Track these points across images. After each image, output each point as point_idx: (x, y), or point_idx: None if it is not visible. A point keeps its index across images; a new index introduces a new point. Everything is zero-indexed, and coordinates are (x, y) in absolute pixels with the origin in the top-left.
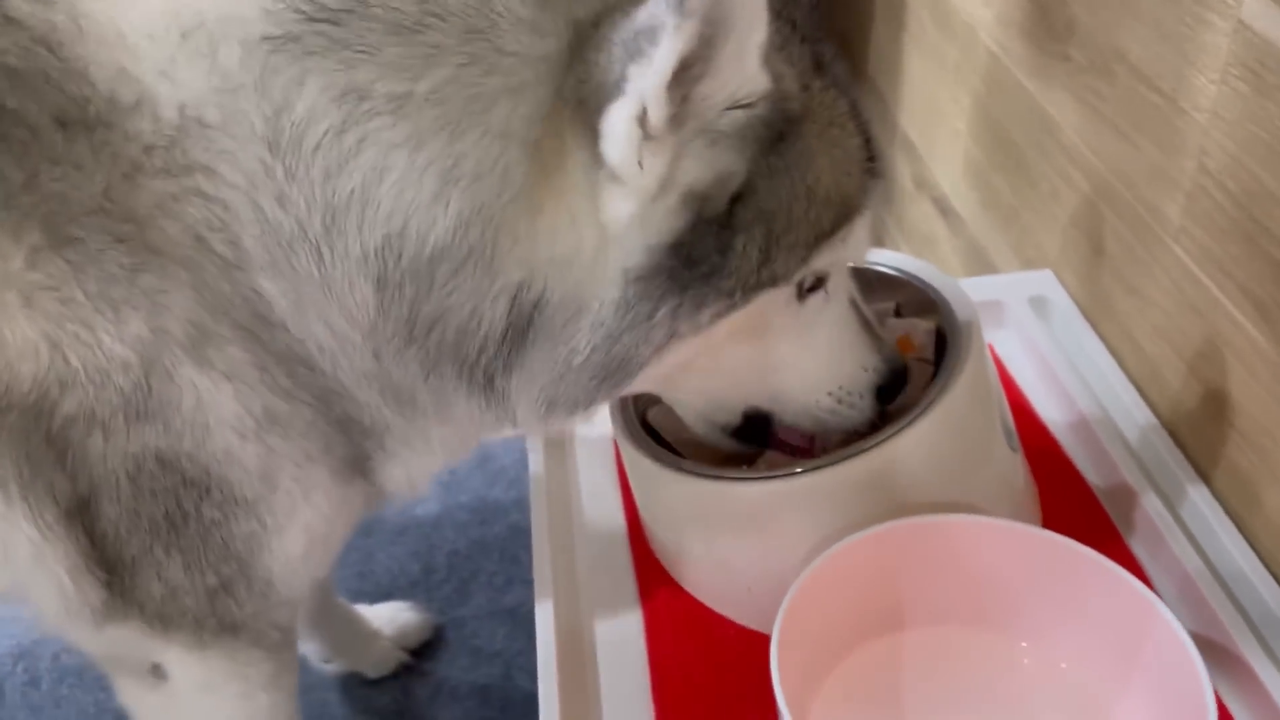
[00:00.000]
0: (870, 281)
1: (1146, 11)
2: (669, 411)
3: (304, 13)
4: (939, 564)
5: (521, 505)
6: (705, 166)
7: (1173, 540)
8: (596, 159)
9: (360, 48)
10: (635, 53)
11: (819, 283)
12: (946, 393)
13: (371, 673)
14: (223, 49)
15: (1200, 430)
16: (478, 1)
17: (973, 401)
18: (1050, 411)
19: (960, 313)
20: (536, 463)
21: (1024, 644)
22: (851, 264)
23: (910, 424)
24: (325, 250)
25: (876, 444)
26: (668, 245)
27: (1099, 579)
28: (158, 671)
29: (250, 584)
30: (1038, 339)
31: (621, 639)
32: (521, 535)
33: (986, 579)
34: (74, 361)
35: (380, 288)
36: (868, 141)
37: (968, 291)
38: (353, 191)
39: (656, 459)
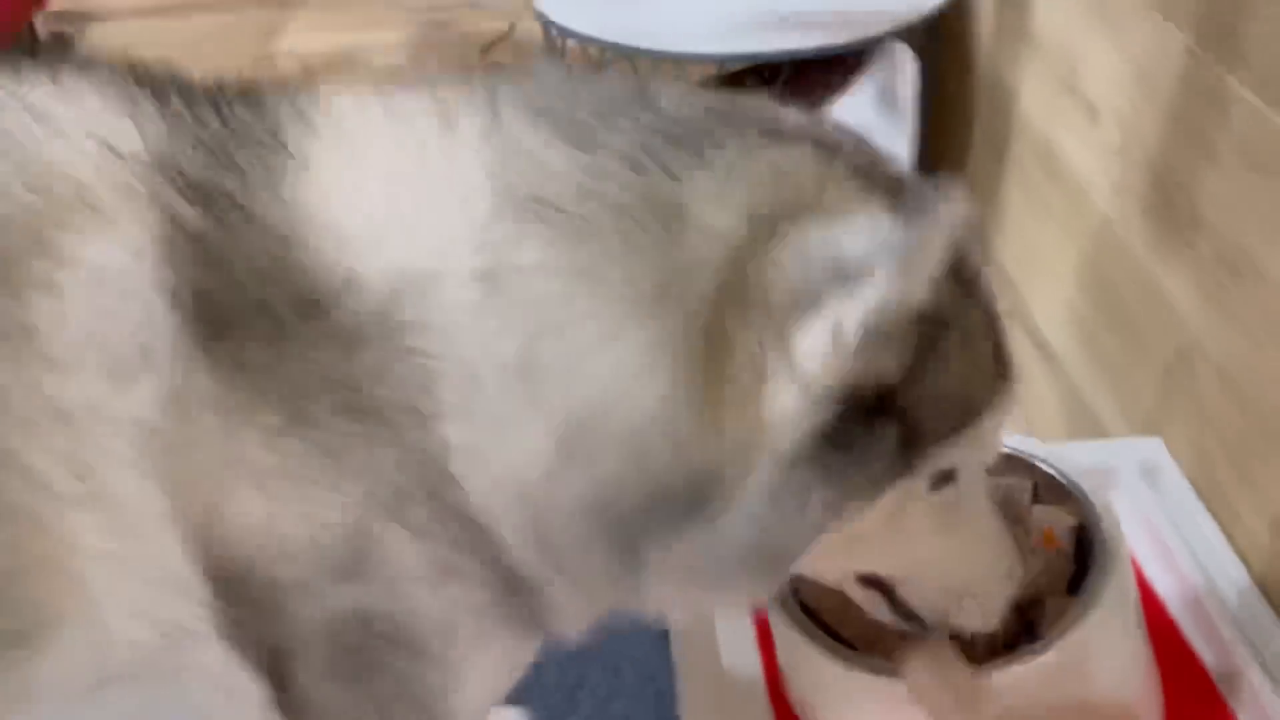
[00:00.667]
0: (1002, 460)
1: None
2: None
3: (535, 197)
4: None
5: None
6: (866, 366)
7: None
8: (763, 350)
9: (584, 233)
10: (840, 277)
11: (947, 477)
12: (1104, 593)
13: None
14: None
15: None
16: (671, 202)
17: (1122, 600)
18: (1165, 587)
19: (1104, 517)
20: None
21: None
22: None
23: (1079, 624)
24: (518, 409)
25: (1032, 654)
26: (817, 432)
27: None
28: None
29: None
30: (1150, 511)
31: None
32: (618, 643)
33: None
34: (294, 532)
35: (562, 453)
36: (999, 348)
37: (1080, 455)
38: (555, 361)
39: (813, 640)
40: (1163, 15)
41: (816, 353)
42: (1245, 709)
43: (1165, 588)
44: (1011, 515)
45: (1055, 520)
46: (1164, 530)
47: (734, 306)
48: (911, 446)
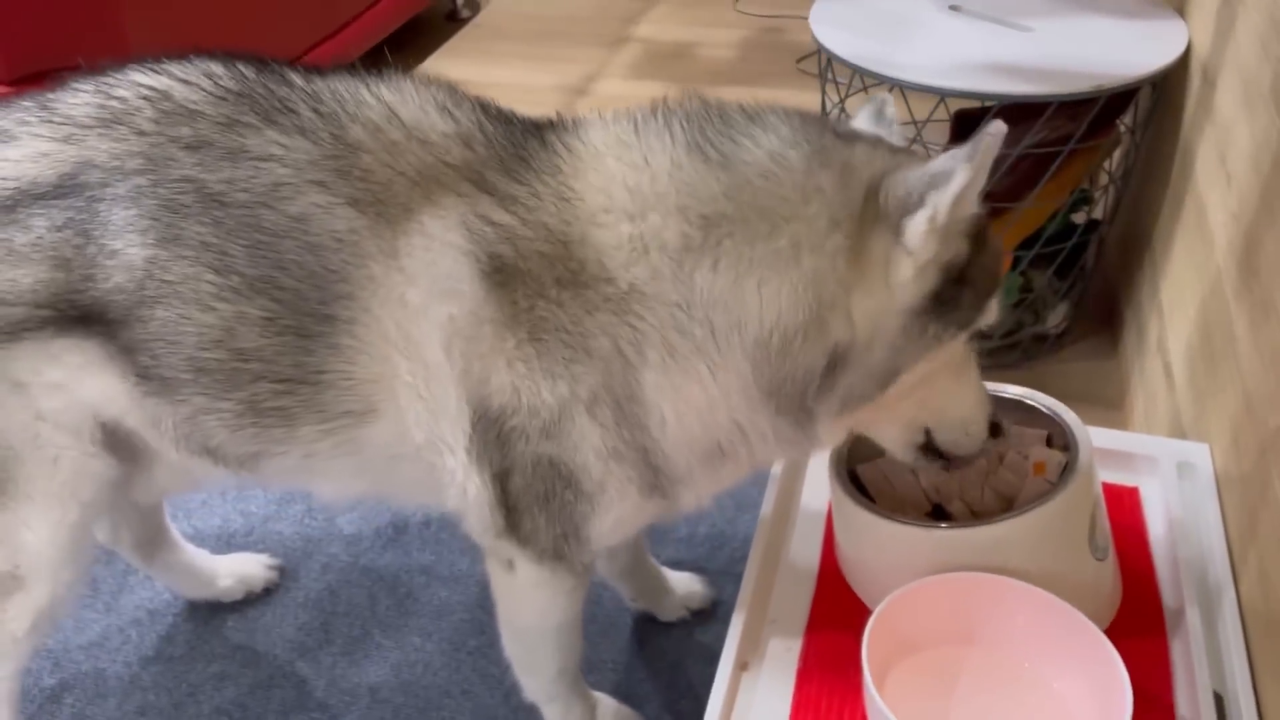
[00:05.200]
0: (1033, 414)
1: None
2: (872, 469)
3: (703, 217)
4: (985, 607)
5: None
6: (951, 249)
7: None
8: (890, 245)
9: (739, 235)
10: (935, 184)
11: (973, 338)
12: (1048, 502)
13: (662, 617)
14: (652, 253)
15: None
16: (812, 187)
17: (1066, 514)
18: (1160, 551)
19: (1083, 452)
20: (777, 466)
21: (1026, 664)
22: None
23: (1019, 515)
24: (713, 354)
25: (988, 523)
26: (930, 292)
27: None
28: (510, 565)
29: (577, 539)
30: (1175, 492)
31: (796, 587)
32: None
33: (1007, 620)
34: (523, 400)
35: (755, 366)
36: (999, 249)
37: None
38: (734, 321)
39: (856, 501)
40: (1277, 109)
41: (918, 232)
42: (1177, 637)
43: (1160, 551)
44: (1022, 453)
45: (1050, 458)
46: (1175, 508)
47: (872, 229)
48: (975, 303)
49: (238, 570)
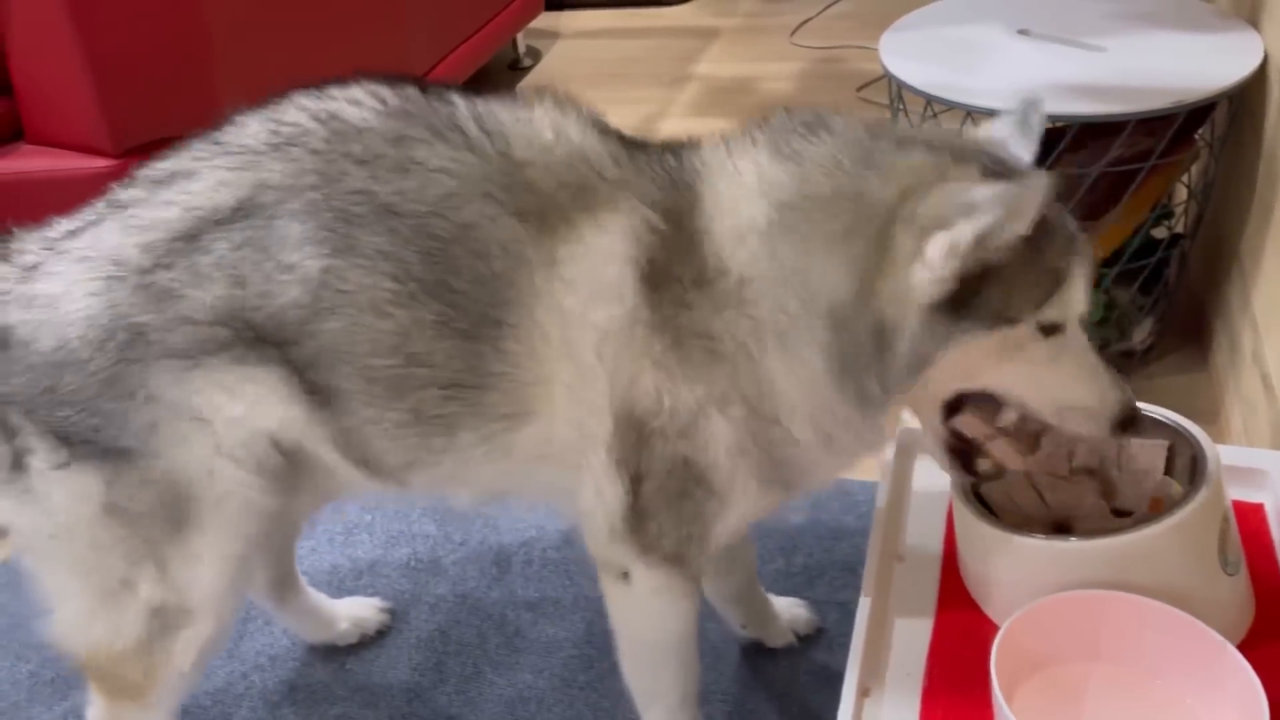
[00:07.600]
0: (1155, 425)
1: None
2: (994, 488)
3: (780, 202)
4: (1113, 622)
5: (864, 531)
6: (973, 262)
7: None
8: (915, 253)
9: (807, 217)
10: (966, 211)
11: (1056, 328)
12: (1176, 513)
13: (770, 643)
14: (748, 237)
15: None
16: (858, 187)
17: (1195, 526)
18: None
19: (1211, 463)
20: (881, 498)
21: (1156, 681)
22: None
23: (1146, 526)
24: (804, 326)
25: (1115, 535)
26: (946, 294)
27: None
28: (625, 577)
29: (702, 540)
30: None
31: (914, 611)
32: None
33: (1136, 635)
34: (665, 403)
35: (825, 343)
36: (1070, 242)
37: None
38: (812, 291)
39: (982, 517)
40: None
41: (937, 251)
42: None
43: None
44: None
45: (1166, 490)
46: None
47: (896, 227)
48: (1010, 306)
49: (353, 614)
